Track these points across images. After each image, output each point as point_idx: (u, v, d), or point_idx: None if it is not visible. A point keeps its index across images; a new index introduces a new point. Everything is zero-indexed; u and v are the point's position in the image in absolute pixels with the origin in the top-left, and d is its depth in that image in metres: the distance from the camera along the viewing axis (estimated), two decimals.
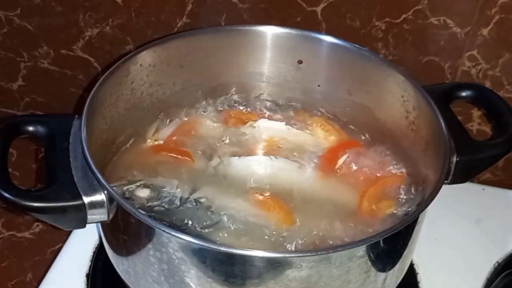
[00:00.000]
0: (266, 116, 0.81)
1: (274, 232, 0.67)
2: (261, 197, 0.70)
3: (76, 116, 0.66)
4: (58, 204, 0.59)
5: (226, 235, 0.66)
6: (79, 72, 0.98)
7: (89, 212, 0.59)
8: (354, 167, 0.75)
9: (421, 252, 0.74)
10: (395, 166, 0.74)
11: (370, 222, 0.69)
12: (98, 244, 0.80)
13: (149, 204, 0.68)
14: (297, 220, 0.68)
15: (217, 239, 0.65)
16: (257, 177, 0.73)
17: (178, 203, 0.68)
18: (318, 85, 0.80)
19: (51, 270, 0.78)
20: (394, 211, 0.69)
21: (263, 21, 0.82)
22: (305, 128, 0.80)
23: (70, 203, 0.59)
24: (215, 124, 0.80)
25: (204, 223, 0.66)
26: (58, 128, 0.65)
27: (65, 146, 0.63)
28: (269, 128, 0.79)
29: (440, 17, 0.82)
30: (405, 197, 0.71)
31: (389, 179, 0.73)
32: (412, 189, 0.72)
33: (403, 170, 0.74)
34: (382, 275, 0.63)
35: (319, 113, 0.81)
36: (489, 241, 0.83)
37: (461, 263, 0.80)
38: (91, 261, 0.78)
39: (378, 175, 0.74)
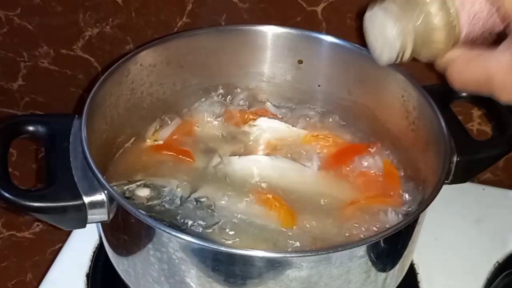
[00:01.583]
0: (266, 115, 0.81)
1: (274, 232, 0.67)
2: (261, 197, 0.70)
3: (76, 116, 0.66)
4: (58, 204, 0.59)
5: (226, 235, 0.66)
6: (79, 72, 0.98)
7: (89, 212, 0.59)
8: (357, 171, 0.75)
9: (421, 252, 0.74)
10: (400, 173, 0.75)
11: (369, 222, 0.69)
12: (98, 244, 0.80)
13: (149, 204, 0.68)
14: (298, 220, 0.68)
15: (218, 239, 0.65)
16: (257, 176, 0.73)
17: (179, 203, 0.68)
18: (318, 85, 0.80)
19: (51, 270, 0.78)
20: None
21: (263, 21, 0.82)
22: (306, 127, 0.80)
23: (70, 203, 0.59)
24: (215, 124, 0.80)
25: (205, 223, 0.66)
26: (58, 128, 0.65)
27: (65, 146, 0.63)
28: (269, 127, 0.79)
29: None
30: (386, 220, 0.70)
31: (382, 199, 0.72)
32: (410, 192, 0.72)
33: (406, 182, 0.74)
34: (382, 275, 0.63)
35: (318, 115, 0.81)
36: (489, 241, 0.83)
37: (461, 263, 0.80)
38: (91, 261, 0.78)
39: (379, 182, 0.74)
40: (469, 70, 0.53)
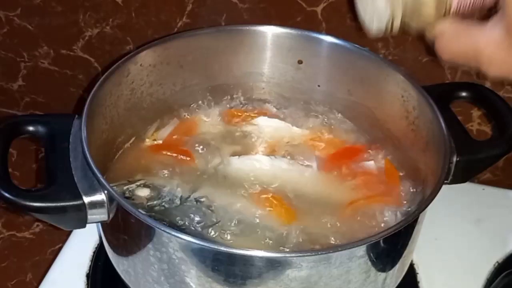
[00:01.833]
0: (266, 115, 0.81)
1: (274, 232, 0.67)
2: (261, 196, 0.70)
3: (76, 116, 0.66)
4: (58, 204, 0.59)
5: (226, 235, 0.66)
6: (79, 72, 0.98)
7: (89, 212, 0.59)
8: (356, 171, 0.75)
9: (421, 252, 0.74)
10: (400, 173, 0.75)
11: (369, 222, 0.69)
12: (98, 244, 0.80)
13: (149, 204, 0.68)
14: (298, 219, 0.68)
15: (217, 238, 0.65)
16: (257, 176, 0.73)
17: (178, 203, 0.68)
18: (318, 85, 0.80)
19: (51, 270, 0.78)
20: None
21: (263, 21, 0.82)
22: (306, 127, 0.80)
23: (70, 203, 0.59)
24: (215, 124, 0.80)
25: (205, 223, 0.66)
26: (58, 128, 0.65)
27: (65, 146, 0.63)
28: (269, 127, 0.80)
29: None
30: (385, 219, 0.70)
31: (382, 199, 0.72)
32: (410, 192, 0.72)
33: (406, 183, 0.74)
34: (382, 275, 0.63)
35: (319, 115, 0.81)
36: (489, 241, 0.83)
37: (461, 263, 0.80)
38: (91, 261, 0.78)
39: (378, 182, 0.74)
40: (458, 42, 0.54)
